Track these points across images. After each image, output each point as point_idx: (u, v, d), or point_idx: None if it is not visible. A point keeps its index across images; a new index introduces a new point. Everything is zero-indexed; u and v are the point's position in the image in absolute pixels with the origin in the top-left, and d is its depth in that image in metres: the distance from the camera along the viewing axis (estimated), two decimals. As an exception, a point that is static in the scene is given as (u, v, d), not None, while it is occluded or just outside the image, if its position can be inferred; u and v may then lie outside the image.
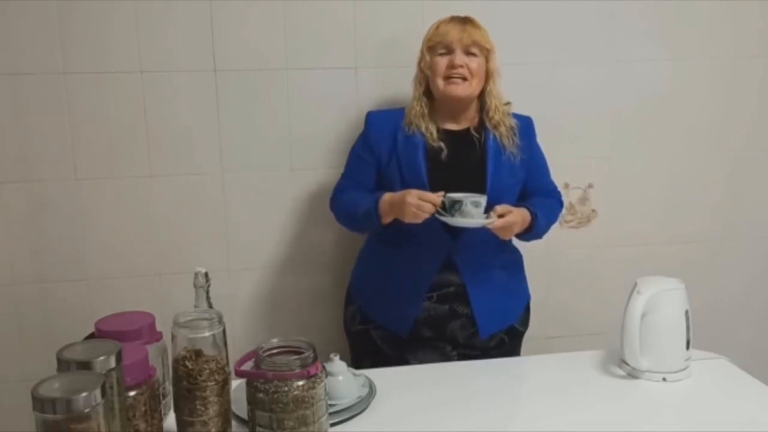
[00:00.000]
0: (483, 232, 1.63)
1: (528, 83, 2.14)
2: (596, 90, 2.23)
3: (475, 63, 1.71)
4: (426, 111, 1.76)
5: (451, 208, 1.60)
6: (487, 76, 1.75)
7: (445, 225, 1.63)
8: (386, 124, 1.80)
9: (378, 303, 1.81)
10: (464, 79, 1.71)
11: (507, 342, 1.82)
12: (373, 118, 1.85)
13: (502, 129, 1.77)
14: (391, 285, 1.78)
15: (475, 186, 1.68)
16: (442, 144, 1.73)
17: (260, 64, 2.03)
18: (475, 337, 1.76)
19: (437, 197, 1.59)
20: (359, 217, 1.73)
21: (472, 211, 1.60)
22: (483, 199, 1.61)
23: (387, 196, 1.67)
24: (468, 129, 1.78)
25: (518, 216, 1.65)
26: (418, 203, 1.58)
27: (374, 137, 1.80)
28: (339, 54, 2.06)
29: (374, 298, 1.83)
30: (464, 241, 1.71)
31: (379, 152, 1.78)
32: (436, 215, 1.61)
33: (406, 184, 1.70)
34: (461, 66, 1.70)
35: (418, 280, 1.75)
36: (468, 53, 1.71)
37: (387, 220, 1.67)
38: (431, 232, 1.68)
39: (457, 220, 1.60)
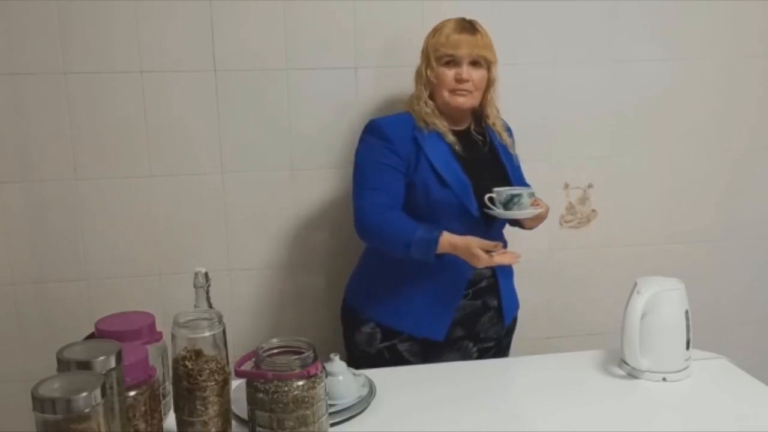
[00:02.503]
0: (503, 222, 1.75)
1: (528, 83, 2.15)
2: (596, 90, 2.23)
3: (478, 75, 1.73)
4: (436, 112, 1.76)
5: (508, 201, 1.66)
6: (488, 84, 1.77)
7: (484, 219, 1.70)
8: (401, 127, 1.75)
9: (407, 313, 1.75)
10: (468, 91, 1.73)
11: (511, 330, 1.91)
12: (385, 124, 1.76)
13: (498, 128, 1.82)
14: (424, 290, 1.74)
15: (499, 180, 1.75)
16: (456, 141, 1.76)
17: (260, 64, 2.03)
18: (494, 329, 1.82)
19: (496, 245, 1.60)
20: (411, 243, 1.62)
21: (527, 203, 1.67)
22: (533, 191, 1.70)
23: (448, 237, 1.61)
24: (469, 128, 1.81)
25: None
26: (479, 254, 1.57)
27: (397, 142, 1.72)
28: (339, 54, 2.06)
29: (401, 308, 1.76)
30: (495, 234, 1.76)
31: (407, 157, 1.72)
32: (487, 211, 1.69)
33: (445, 184, 1.69)
34: (467, 80, 1.71)
35: (456, 280, 1.74)
36: (473, 63, 1.72)
37: (440, 252, 1.63)
38: (470, 229, 1.66)
39: (512, 213, 1.67)
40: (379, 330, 1.78)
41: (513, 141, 1.88)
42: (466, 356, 1.78)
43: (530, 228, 1.82)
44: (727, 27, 2.26)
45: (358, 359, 1.78)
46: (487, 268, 1.74)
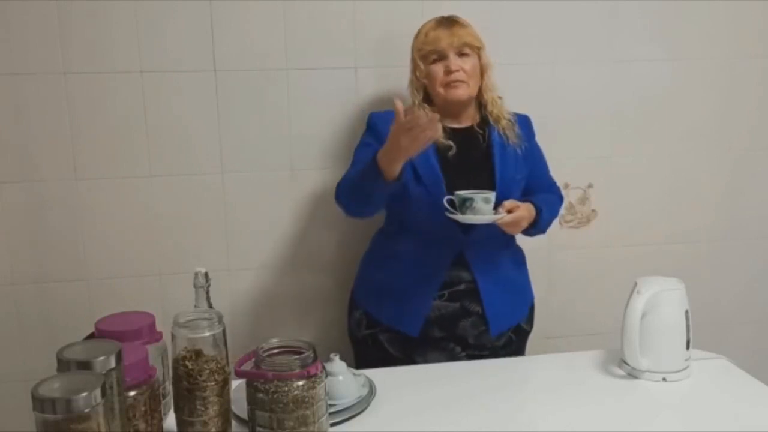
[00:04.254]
0: (492, 227, 1.65)
1: (528, 83, 2.15)
2: (596, 90, 2.23)
3: (469, 64, 1.72)
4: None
5: (461, 205, 1.62)
6: (482, 72, 1.76)
7: (456, 221, 1.64)
8: (391, 122, 1.78)
9: (386, 304, 1.80)
10: (462, 81, 1.71)
11: (514, 341, 1.82)
12: (379, 118, 1.82)
13: (503, 122, 1.78)
14: (400, 284, 1.77)
15: (484, 181, 1.70)
16: (450, 142, 1.73)
17: (260, 64, 2.03)
18: (484, 336, 1.76)
19: (423, 110, 1.47)
20: (364, 184, 1.59)
21: (483, 208, 1.61)
22: (492, 195, 1.63)
23: (380, 150, 1.52)
24: (471, 126, 1.79)
25: (526, 211, 1.67)
26: (405, 124, 1.43)
27: (383, 132, 1.69)
28: (339, 54, 2.06)
29: (381, 299, 1.81)
30: (475, 237, 1.72)
31: None
32: (447, 214, 1.63)
33: (420, 180, 1.70)
34: (457, 70, 1.70)
35: (429, 278, 1.74)
36: (460, 54, 1.72)
37: (392, 171, 1.51)
38: (442, 229, 1.68)
39: (467, 218, 1.61)
40: (364, 317, 1.83)
41: (529, 132, 1.83)
42: (453, 359, 1.75)
43: (512, 234, 1.71)
44: (727, 27, 2.26)
45: (352, 343, 1.89)
46: (465, 272, 1.73)
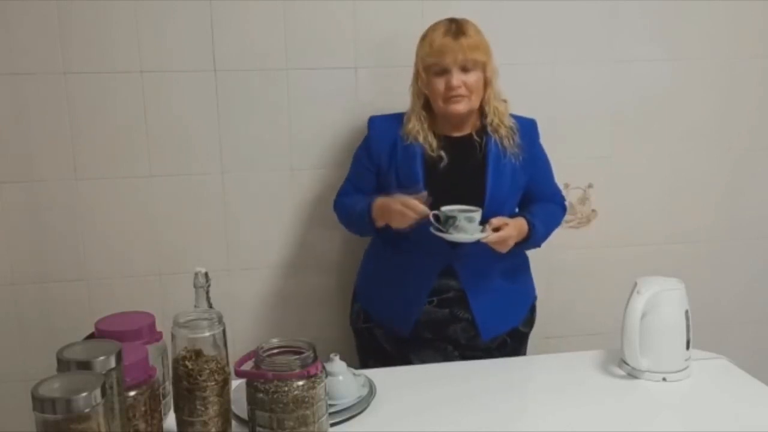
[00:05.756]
0: (481, 242, 1.62)
1: (528, 83, 2.14)
2: (596, 90, 2.23)
3: (473, 78, 1.68)
4: (425, 124, 1.74)
5: (445, 222, 1.59)
6: (485, 83, 1.72)
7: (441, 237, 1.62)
8: (387, 130, 1.79)
9: (379, 303, 1.83)
10: (463, 96, 1.68)
11: (509, 343, 1.81)
12: (374, 124, 1.85)
13: (503, 131, 1.75)
14: (392, 287, 1.79)
15: (474, 194, 1.68)
16: (442, 153, 1.72)
17: (260, 64, 2.03)
18: (476, 340, 1.76)
19: (419, 204, 1.58)
20: (355, 220, 1.78)
21: (466, 226, 1.58)
22: (477, 214, 1.60)
23: (379, 201, 1.68)
24: (470, 134, 1.77)
25: (514, 229, 1.64)
26: (401, 210, 1.59)
27: (375, 143, 1.81)
28: (339, 54, 2.06)
29: (376, 298, 1.85)
30: (464, 250, 1.69)
31: (379, 158, 1.78)
32: (432, 230, 1.60)
33: (403, 192, 1.68)
34: (459, 86, 1.67)
35: (418, 285, 1.75)
36: (464, 68, 1.68)
37: (380, 224, 1.70)
38: (430, 240, 1.65)
39: (452, 236, 1.59)
40: (362, 312, 1.87)
41: (531, 138, 1.80)
42: (447, 358, 1.76)
43: (500, 252, 1.64)
44: (727, 27, 2.26)
45: (353, 331, 1.94)
46: (454, 281, 1.73)
